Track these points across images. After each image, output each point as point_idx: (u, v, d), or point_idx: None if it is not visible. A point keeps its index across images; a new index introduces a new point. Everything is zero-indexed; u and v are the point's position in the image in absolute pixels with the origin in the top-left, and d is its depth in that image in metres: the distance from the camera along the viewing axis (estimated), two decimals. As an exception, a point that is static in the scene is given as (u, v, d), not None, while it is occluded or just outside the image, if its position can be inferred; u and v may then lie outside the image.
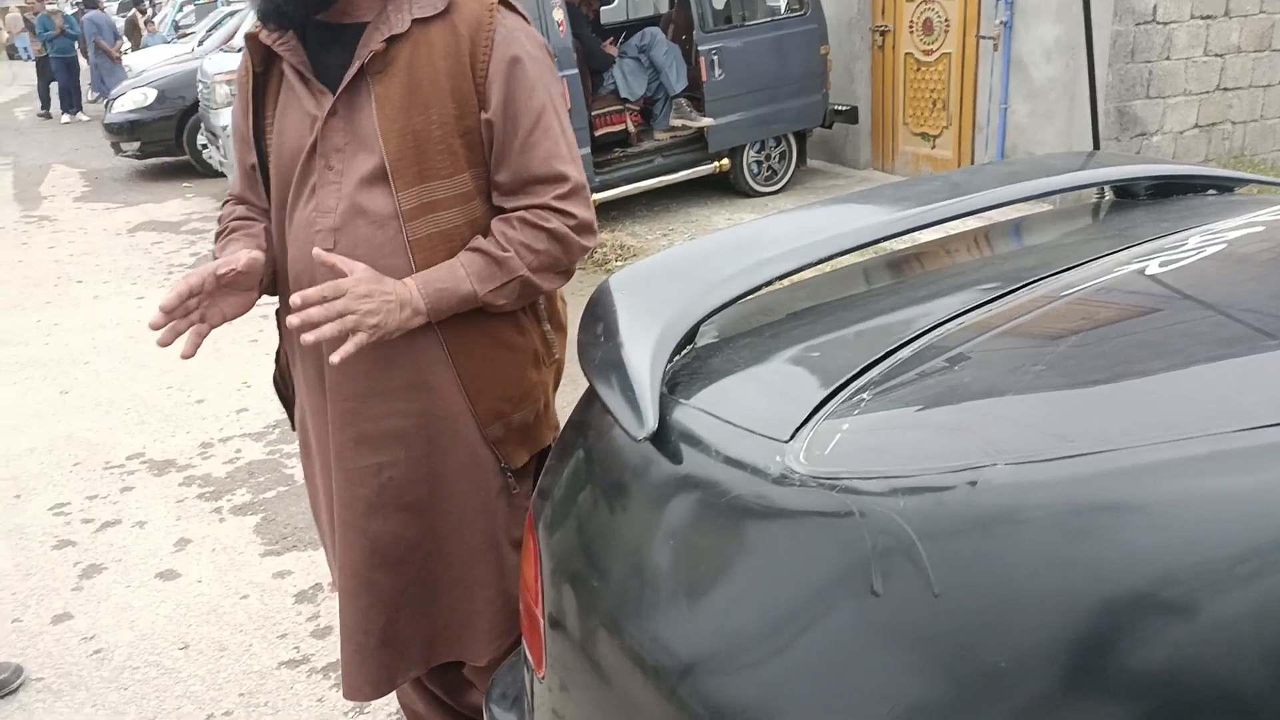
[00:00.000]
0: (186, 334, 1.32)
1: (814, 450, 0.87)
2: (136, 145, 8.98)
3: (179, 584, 2.74)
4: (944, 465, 0.71)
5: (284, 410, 1.65)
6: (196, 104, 8.36)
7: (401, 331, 1.34)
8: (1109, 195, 1.72)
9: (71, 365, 4.51)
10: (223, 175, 7.95)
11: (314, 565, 2.78)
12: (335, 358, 1.28)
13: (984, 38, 6.06)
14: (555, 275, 1.43)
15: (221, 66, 7.34)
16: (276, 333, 1.60)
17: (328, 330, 1.27)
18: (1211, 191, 1.62)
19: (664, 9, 7.75)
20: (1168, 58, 5.54)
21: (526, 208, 1.38)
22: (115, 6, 22.32)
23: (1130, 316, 0.93)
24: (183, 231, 7.01)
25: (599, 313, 1.21)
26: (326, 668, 2.36)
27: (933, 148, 6.79)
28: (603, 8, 7.93)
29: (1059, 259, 1.28)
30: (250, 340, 4.64)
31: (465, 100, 1.34)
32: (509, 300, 1.40)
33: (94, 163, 10.03)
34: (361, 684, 1.50)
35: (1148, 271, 0.98)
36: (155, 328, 1.29)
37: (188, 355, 1.31)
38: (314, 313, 1.26)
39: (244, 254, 1.31)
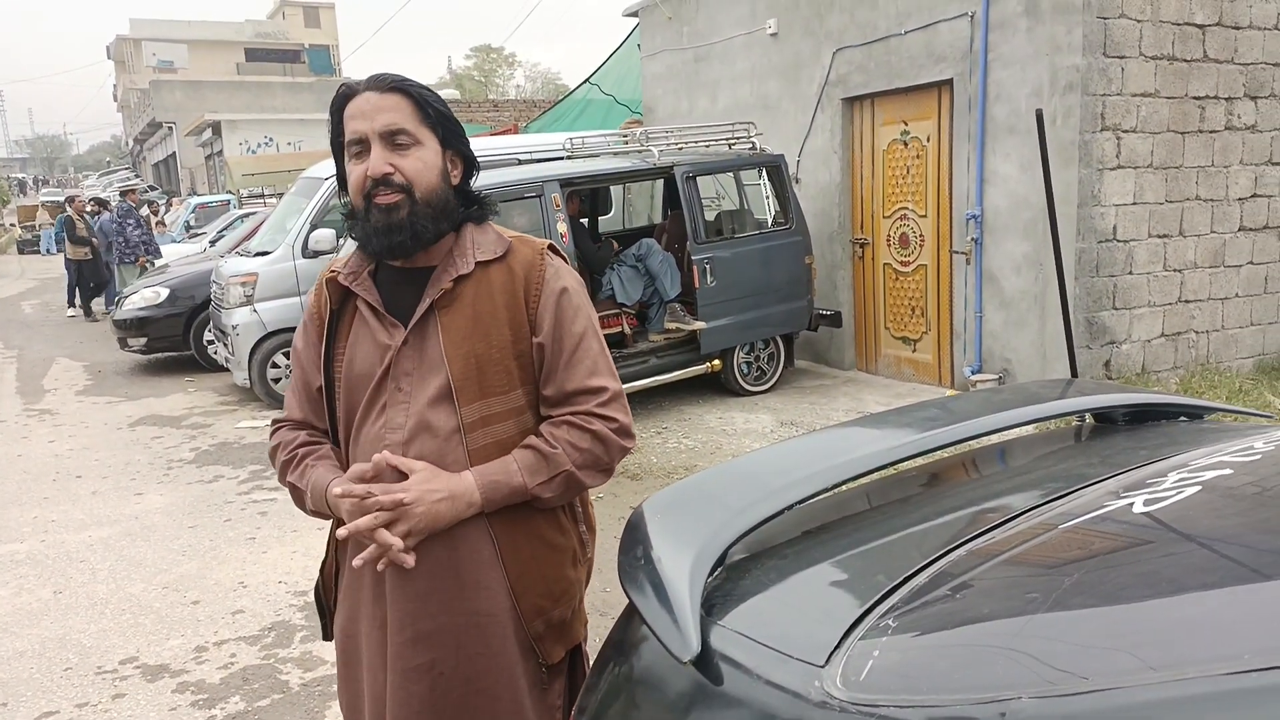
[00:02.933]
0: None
1: (849, 675, 0.95)
2: (144, 341, 9.23)
3: (169, 800, 2.65)
4: (974, 696, 0.80)
5: (320, 620, 1.72)
6: (206, 302, 8.69)
7: (455, 521, 1.49)
8: (1089, 420, 1.87)
9: (67, 564, 4.48)
10: (225, 370, 8.16)
11: (310, 779, 2.70)
12: (381, 565, 1.45)
13: (957, 252, 6.50)
14: (597, 473, 1.57)
15: (237, 269, 7.69)
16: (327, 545, 1.68)
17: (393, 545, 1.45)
18: (1183, 418, 1.78)
19: (658, 219, 8.29)
20: (1130, 272, 5.94)
21: (572, 413, 1.55)
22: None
23: (1123, 549, 1.04)
24: (184, 426, 7.12)
25: (638, 536, 1.32)
26: None
27: (913, 351, 7.11)
28: (601, 218, 8.49)
29: (1052, 486, 1.40)
30: (247, 538, 4.65)
31: (519, 327, 1.55)
32: (555, 494, 1.53)
33: (97, 356, 10.26)
34: None
35: (1135, 509, 1.10)
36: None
37: None
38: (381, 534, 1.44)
39: (366, 467, 1.47)
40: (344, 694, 1.65)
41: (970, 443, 1.64)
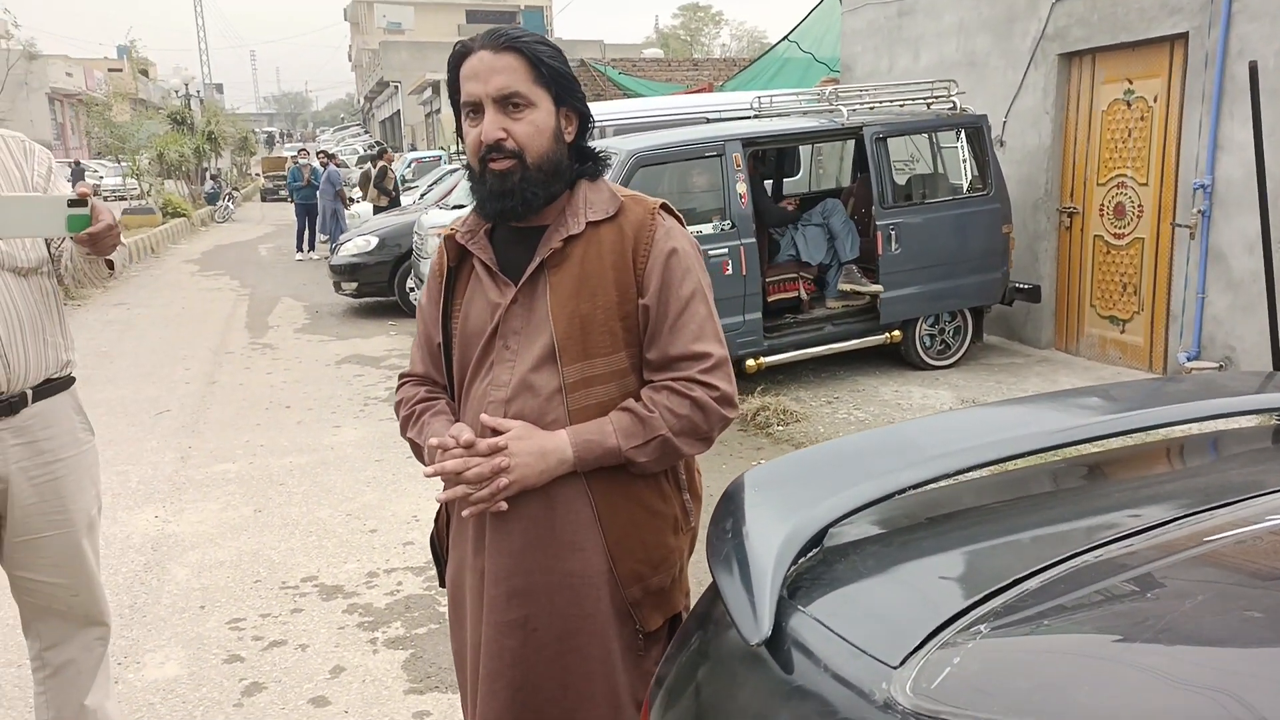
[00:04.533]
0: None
1: (921, 682, 0.87)
2: (355, 285, 9.95)
3: (327, 712, 2.87)
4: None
5: (435, 567, 1.78)
6: (410, 252, 9.23)
7: (546, 479, 1.48)
8: (1290, 420, 1.62)
9: (268, 485, 4.93)
10: (423, 317, 8.66)
11: (452, 710, 2.84)
12: (466, 512, 1.48)
13: (1180, 226, 5.87)
14: (695, 441, 1.53)
15: (436, 221, 8.13)
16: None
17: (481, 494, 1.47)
18: None
19: (847, 184, 7.99)
20: (1393, 255, 5.15)
21: (673, 379, 1.52)
22: (355, 159, 25.27)
23: (1268, 576, 0.89)
24: (382, 366, 7.62)
25: (731, 508, 1.26)
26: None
27: (1121, 332, 6.51)
28: (787, 179, 8.29)
29: (1216, 493, 1.22)
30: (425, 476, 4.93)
31: (626, 289, 1.53)
32: (649, 459, 1.50)
33: (316, 298, 11.16)
34: None
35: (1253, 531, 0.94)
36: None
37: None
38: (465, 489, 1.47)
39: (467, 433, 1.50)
40: (454, 640, 1.71)
41: (1134, 436, 1.46)
